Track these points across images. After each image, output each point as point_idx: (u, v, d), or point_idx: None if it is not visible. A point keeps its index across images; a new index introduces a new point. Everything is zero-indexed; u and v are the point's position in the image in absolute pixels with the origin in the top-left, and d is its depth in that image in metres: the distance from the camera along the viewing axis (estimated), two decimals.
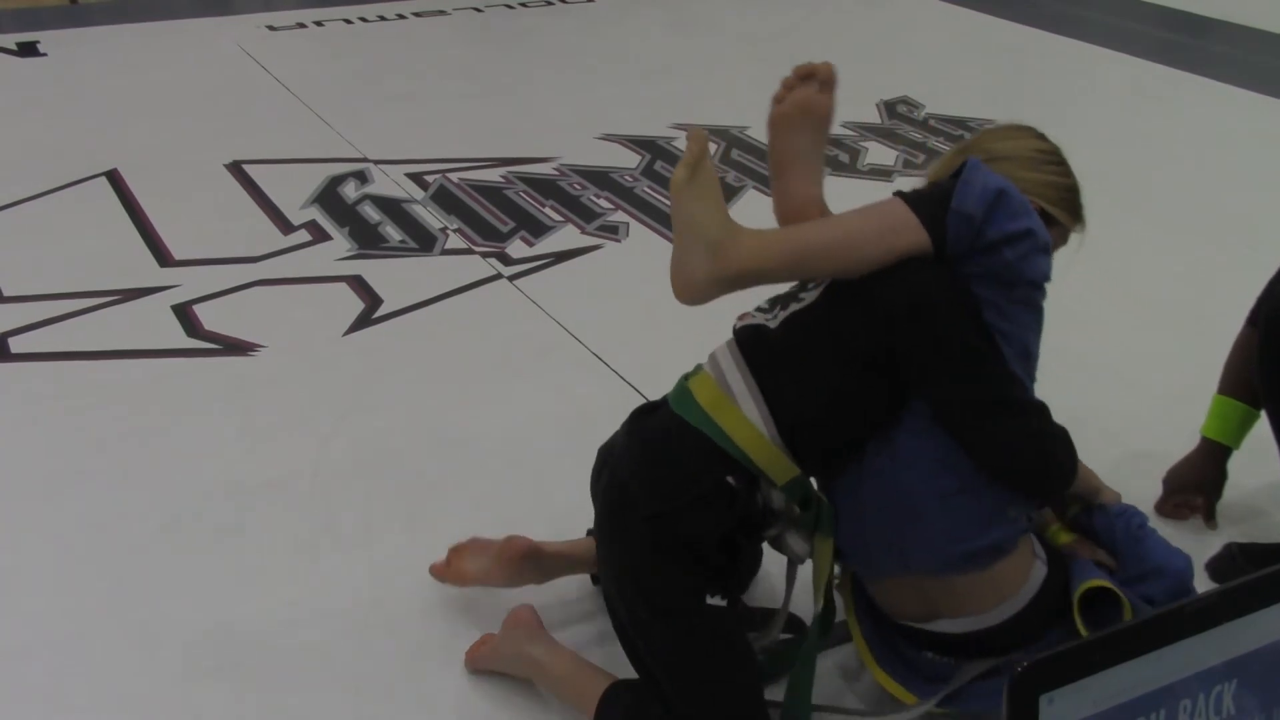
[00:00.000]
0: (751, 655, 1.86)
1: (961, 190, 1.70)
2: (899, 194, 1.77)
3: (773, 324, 1.82)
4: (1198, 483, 2.42)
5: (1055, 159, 1.90)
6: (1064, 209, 1.89)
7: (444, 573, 2.18)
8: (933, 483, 1.77)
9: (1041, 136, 1.93)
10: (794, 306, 1.82)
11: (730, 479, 1.78)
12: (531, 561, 2.13)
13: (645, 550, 1.79)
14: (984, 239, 1.71)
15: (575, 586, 2.21)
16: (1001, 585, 1.82)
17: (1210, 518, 2.43)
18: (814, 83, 1.80)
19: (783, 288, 1.88)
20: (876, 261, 1.73)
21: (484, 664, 2.04)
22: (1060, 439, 1.83)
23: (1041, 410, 1.81)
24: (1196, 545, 2.37)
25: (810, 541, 1.84)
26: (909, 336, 1.73)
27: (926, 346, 1.73)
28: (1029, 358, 1.81)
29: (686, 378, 1.86)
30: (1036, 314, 1.81)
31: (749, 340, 1.83)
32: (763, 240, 1.74)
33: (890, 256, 1.72)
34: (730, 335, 1.87)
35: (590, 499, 1.92)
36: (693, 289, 1.74)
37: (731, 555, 1.84)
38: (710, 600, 1.84)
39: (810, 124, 1.81)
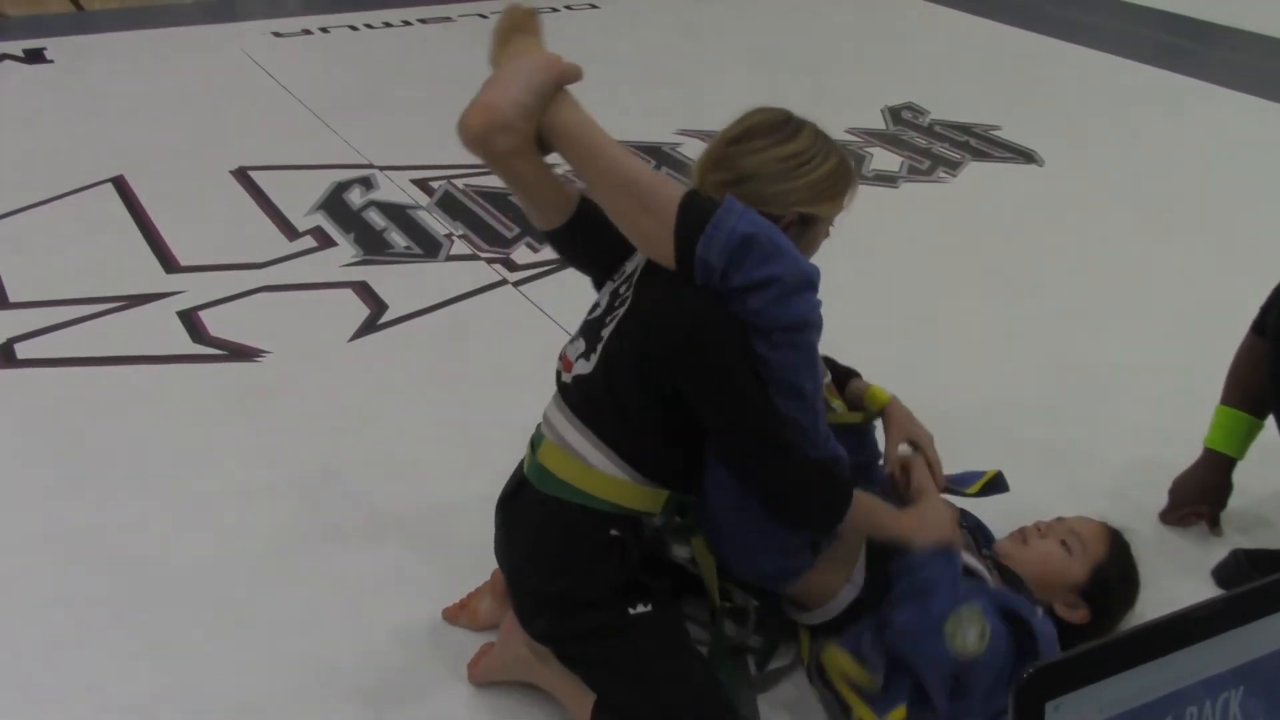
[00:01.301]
0: (698, 653, 1.90)
1: (708, 236, 1.69)
2: (690, 193, 1.75)
3: (589, 369, 1.85)
4: (1203, 495, 2.42)
5: (802, 159, 1.83)
6: (824, 200, 1.84)
7: (459, 615, 2.18)
8: (730, 512, 1.87)
9: (784, 136, 1.84)
10: (599, 346, 1.85)
11: (613, 531, 1.84)
12: None
13: (560, 621, 1.88)
14: (728, 284, 1.71)
15: None
16: (815, 596, 1.97)
17: (1215, 526, 2.42)
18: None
19: (591, 316, 1.91)
20: (627, 228, 1.76)
21: (486, 676, 2.05)
22: (823, 482, 1.84)
23: (802, 456, 1.81)
24: (1203, 552, 2.37)
25: (689, 544, 1.93)
26: (683, 370, 1.76)
27: (698, 381, 1.76)
28: (801, 395, 1.79)
29: (535, 448, 1.91)
30: (804, 353, 1.79)
31: (577, 397, 1.87)
32: (581, 111, 1.79)
33: (638, 239, 1.76)
34: (555, 388, 1.93)
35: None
36: (496, 102, 1.74)
37: (641, 596, 1.87)
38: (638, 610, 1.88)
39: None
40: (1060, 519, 2.17)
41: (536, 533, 1.89)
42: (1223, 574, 2.30)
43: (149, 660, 2.09)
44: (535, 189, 1.89)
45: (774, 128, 1.85)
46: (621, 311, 1.83)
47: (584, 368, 1.86)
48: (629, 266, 1.90)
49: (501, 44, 1.86)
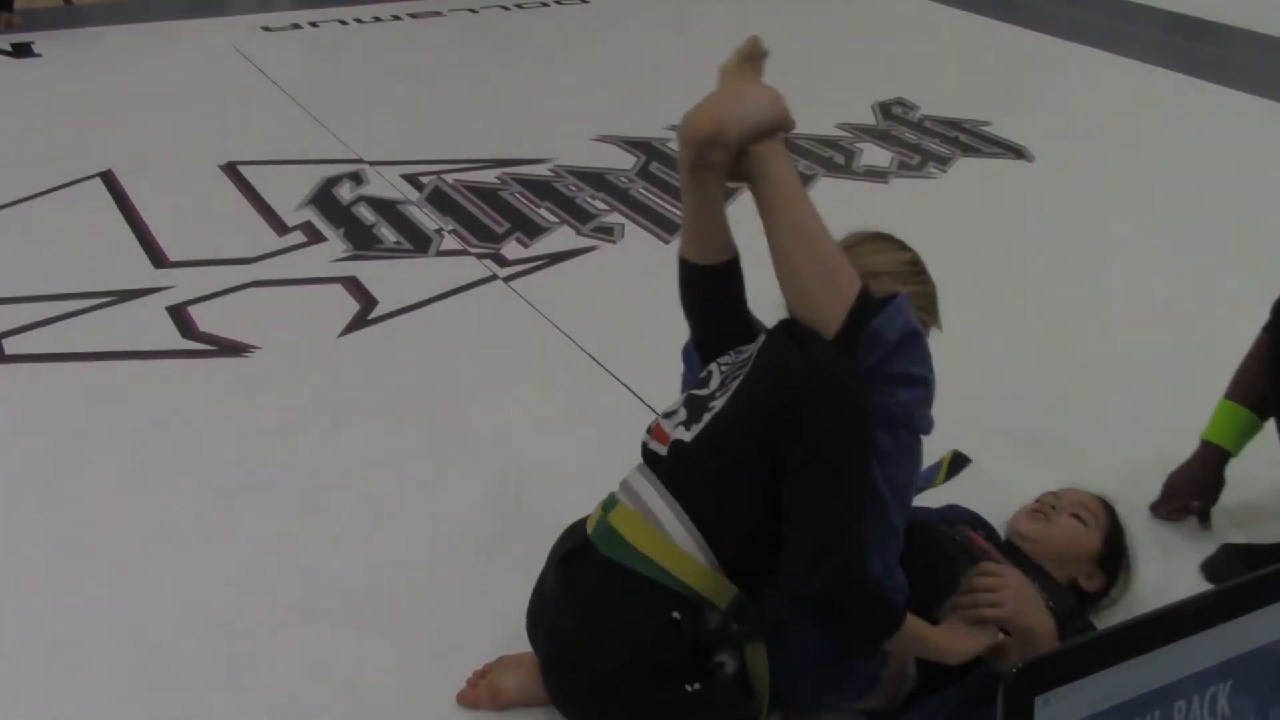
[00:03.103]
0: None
1: (889, 314, 1.74)
2: (864, 284, 1.78)
3: (688, 438, 1.80)
4: (1195, 488, 2.43)
5: (919, 268, 1.95)
6: (932, 314, 1.95)
7: (475, 698, 1.99)
8: (797, 637, 1.81)
9: (898, 244, 1.97)
10: (707, 417, 1.80)
11: (675, 614, 1.74)
12: None
13: (608, 697, 1.78)
14: (888, 369, 1.74)
15: None
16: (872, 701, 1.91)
17: (1205, 521, 2.43)
18: None
19: (699, 392, 1.86)
20: (795, 281, 1.77)
21: None
22: (878, 598, 1.76)
23: (866, 564, 1.75)
24: (1191, 547, 2.38)
25: (740, 653, 1.83)
26: (805, 400, 1.71)
27: (815, 414, 1.70)
28: (904, 503, 1.82)
29: (606, 510, 1.83)
30: (916, 465, 1.83)
31: (670, 466, 1.80)
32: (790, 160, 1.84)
33: (800, 295, 1.77)
34: (641, 458, 1.87)
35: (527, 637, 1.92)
36: (725, 116, 1.78)
37: (693, 677, 1.78)
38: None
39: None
40: (1053, 494, 2.22)
41: (598, 596, 1.79)
42: (1212, 569, 2.30)
43: (140, 657, 2.09)
44: (711, 214, 1.89)
45: (884, 237, 1.97)
46: (736, 384, 1.80)
47: (683, 435, 1.81)
48: (740, 358, 1.87)
49: (737, 65, 1.90)
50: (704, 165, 1.82)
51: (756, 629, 1.82)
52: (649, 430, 1.89)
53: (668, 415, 1.88)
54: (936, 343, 1.88)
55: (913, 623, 1.77)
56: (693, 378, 1.97)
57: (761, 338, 1.87)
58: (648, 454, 1.87)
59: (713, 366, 1.90)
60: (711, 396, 1.83)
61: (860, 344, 1.73)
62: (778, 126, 1.83)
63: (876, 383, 1.74)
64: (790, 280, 1.79)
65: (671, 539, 1.76)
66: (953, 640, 1.82)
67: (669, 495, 1.78)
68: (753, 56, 1.90)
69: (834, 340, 1.74)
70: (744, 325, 1.93)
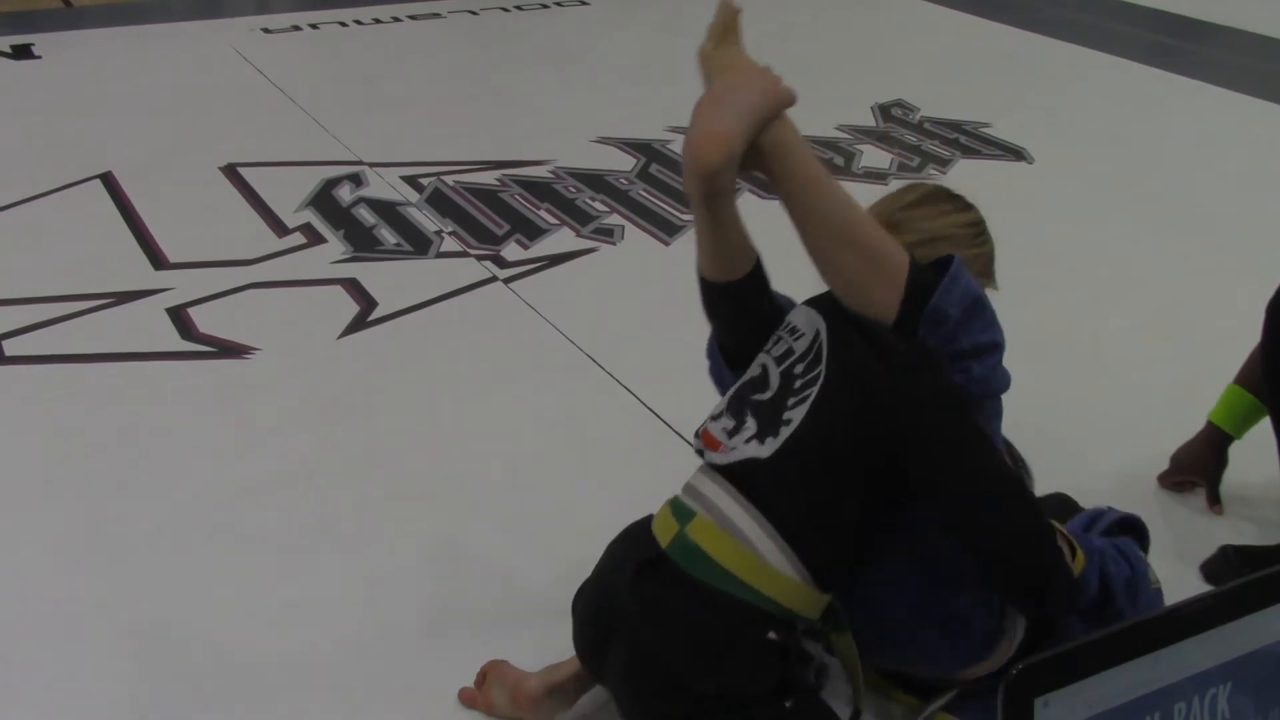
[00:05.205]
0: None
1: (946, 287, 1.62)
2: (912, 260, 1.66)
3: (764, 454, 1.70)
4: (1196, 465, 2.48)
5: (979, 230, 1.86)
6: (988, 276, 1.86)
7: (475, 701, 1.99)
8: (915, 630, 1.78)
9: (962, 206, 1.87)
10: (785, 432, 1.70)
11: (771, 634, 1.67)
12: (551, 698, 1.94)
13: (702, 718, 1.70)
14: (956, 345, 1.65)
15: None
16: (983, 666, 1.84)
17: (1215, 502, 2.47)
18: None
19: (761, 396, 1.76)
20: (837, 270, 1.65)
21: None
22: (1074, 595, 1.78)
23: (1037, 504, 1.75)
24: (1191, 549, 2.38)
25: (822, 640, 1.79)
26: (915, 432, 1.67)
27: (931, 437, 1.67)
28: None
29: (681, 521, 1.73)
30: (999, 419, 1.76)
31: (743, 477, 1.71)
32: (801, 138, 1.66)
33: (847, 284, 1.66)
34: (702, 461, 1.78)
35: (577, 651, 1.86)
36: (730, 133, 1.59)
37: (790, 691, 1.71)
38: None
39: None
40: None
41: (683, 623, 1.68)
42: (1211, 570, 2.31)
43: (139, 658, 2.09)
44: (727, 230, 1.74)
45: (949, 196, 1.87)
46: (813, 393, 1.70)
47: (756, 450, 1.71)
48: (797, 345, 1.77)
49: (715, 45, 1.71)
50: (716, 193, 1.67)
51: (841, 620, 1.76)
52: (700, 436, 1.79)
53: (715, 418, 1.78)
54: None
55: None
56: (719, 371, 1.90)
57: (819, 321, 1.76)
58: (718, 468, 1.76)
59: (766, 360, 1.79)
60: (781, 403, 1.73)
61: (921, 325, 1.62)
62: (778, 111, 1.64)
63: (949, 361, 1.66)
64: (835, 277, 1.67)
65: (767, 561, 1.67)
66: None
67: (754, 510, 1.69)
68: (728, 27, 1.71)
69: (894, 327, 1.64)
70: (774, 315, 1.83)
